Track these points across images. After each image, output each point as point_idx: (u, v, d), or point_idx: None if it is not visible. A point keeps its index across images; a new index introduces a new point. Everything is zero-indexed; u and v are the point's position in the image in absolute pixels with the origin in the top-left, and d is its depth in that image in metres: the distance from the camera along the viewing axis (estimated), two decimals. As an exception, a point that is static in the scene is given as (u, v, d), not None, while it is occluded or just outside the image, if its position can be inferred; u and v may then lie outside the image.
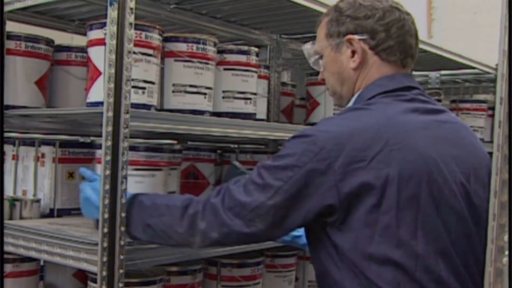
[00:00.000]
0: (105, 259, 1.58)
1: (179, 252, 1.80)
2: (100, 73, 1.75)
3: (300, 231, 1.82)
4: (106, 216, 1.58)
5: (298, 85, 2.99)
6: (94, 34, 1.80)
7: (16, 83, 2.05)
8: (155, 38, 1.82)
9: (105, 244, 1.58)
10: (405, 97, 1.51)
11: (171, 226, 1.52)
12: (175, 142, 2.62)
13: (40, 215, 2.09)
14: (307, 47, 1.68)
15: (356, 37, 1.53)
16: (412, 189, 1.39)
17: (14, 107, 2.04)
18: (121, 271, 1.59)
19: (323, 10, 2.28)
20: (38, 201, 2.09)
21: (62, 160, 2.15)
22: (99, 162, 1.75)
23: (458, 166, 1.48)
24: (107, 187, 1.59)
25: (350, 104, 1.59)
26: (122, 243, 1.60)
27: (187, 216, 1.50)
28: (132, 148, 1.82)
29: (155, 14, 2.28)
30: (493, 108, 3.21)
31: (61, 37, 2.39)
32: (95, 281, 1.66)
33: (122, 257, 1.60)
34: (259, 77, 2.30)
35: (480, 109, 3.67)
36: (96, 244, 1.60)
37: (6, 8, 2.01)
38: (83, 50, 2.11)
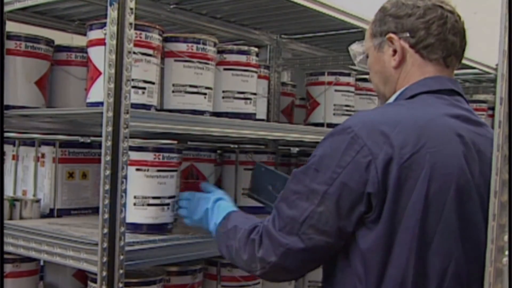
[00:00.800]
0: (105, 259, 1.58)
1: (179, 252, 1.80)
2: (100, 73, 1.75)
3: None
4: (106, 216, 1.58)
5: (298, 85, 2.99)
6: (94, 34, 1.80)
7: (16, 83, 2.05)
8: (155, 38, 1.82)
9: (105, 244, 1.58)
10: (447, 100, 1.50)
11: (238, 251, 1.51)
12: (175, 142, 2.62)
13: (40, 215, 2.09)
14: (353, 47, 1.69)
15: (397, 35, 1.52)
16: (440, 194, 1.38)
17: (14, 107, 2.04)
18: (121, 271, 1.59)
19: (323, 10, 2.29)
20: (38, 201, 2.10)
21: (62, 160, 2.15)
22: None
23: (485, 182, 1.41)
24: (107, 187, 1.59)
25: (391, 101, 1.57)
26: (122, 243, 1.60)
27: (249, 242, 1.48)
28: (159, 150, 1.85)
29: (155, 14, 2.29)
30: (493, 108, 3.21)
31: (61, 37, 2.39)
32: (95, 281, 1.66)
33: (122, 257, 1.60)
34: (259, 77, 2.30)
35: (480, 109, 3.67)
36: (96, 244, 1.60)
37: (6, 8, 2.01)
38: (83, 50, 2.11)
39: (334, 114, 2.60)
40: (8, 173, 2.24)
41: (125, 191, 1.62)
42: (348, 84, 2.63)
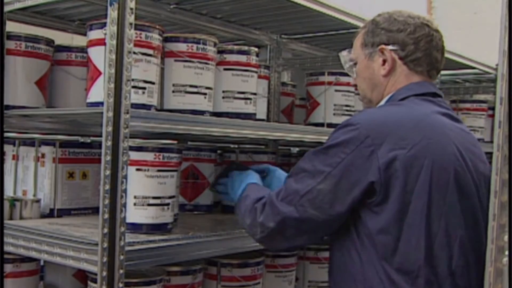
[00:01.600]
0: (105, 259, 1.58)
1: (179, 252, 1.80)
2: (100, 73, 1.75)
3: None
4: (106, 216, 1.58)
5: (298, 85, 2.99)
6: (94, 34, 1.80)
7: (16, 83, 2.05)
8: (155, 38, 1.83)
9: (105, 244, 1.58)
10: (432, 101, 1.69)
11: (244, 216, 1.71)
12: (175, 142, 2.62)
13: (40, 215, 2.09)
14: (344, 54, 1.86)
15: (388, 47, 1.70)
16: (442, 179, 1.55)
17: (14, 107, 2.04)
18: (121, 271, 1.59)
19: (323, 10, 2.29)
20: (38, 201, 2.10)
21: (62, 160, 2.15)
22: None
23: (474, 167, 1.65)
24: (107, 187, 1.59)
25: (381, 104, 1.74)
26: (122, 243, 1.60)
27: (253, 210, 1.67)
28: (159, 150, 1.86)
29: (155, 14, 2.29)
30: (493, 108, 3.21)
31: (61, 37, 2.39)
32: (95, 281, 1.66)
33: (122, 257, 1.60)
34: (259, 77, 2.30)
35: (480, 109, 3.67)
36: (96, 244, 1.60)
37: (6, 8, 2.01)
38: (83, 50, 2.11)
39: (334, 114, 2.60)
40: (8, 173, 2.24)
41: (125, 191, 1.62)
42: (348, 84, 2.63)
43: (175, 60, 1.94)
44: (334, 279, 1.66)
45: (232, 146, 2.69)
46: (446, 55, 3.19)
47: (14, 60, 2.06)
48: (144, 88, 1.80)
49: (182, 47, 1.93)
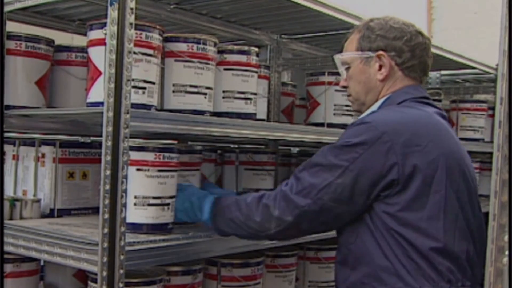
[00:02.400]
0: (105, 259, 1.58)
1: (179, 252, 1.80)
2: (100, 73, 1.75)
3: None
4: (106, 216, 1.58)
5: (298, 85, 2.99)
6: (95, 34, 1.80)
7: (16, 83, 2.05)
8: (155, 38, 1.83)
9: (105, 244, 1.58)
10: (429, 103, 1.81)
11: (249, 216, 1.72)
12: (175, 142, 2.62)
13: (40, 215, 2.09)
14: (338, 57, 1.93)
15: (386, 54, 1.79)
16: (452, 173, 1.67)
17: (14, 107, 2.04)
18: (121, 271, 1.59)
19: (323, 10, 2.29)
20: (38, 201, 2.10)
21: (62, 160, 2.15)
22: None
23: (463, 158, 1.78)
24: (108, 187, 1.59)
25: (375, 108, 1.82)
26: (122, 243, 1.60)
27: (262, 206, 1.70)
28: (159, 150, 1.86)
29: (155, 14, 2.29)
30: (493, 108, 3.21)
31: (61, 37, 2.39)
32: (95, 281, 1.66)
33: (122, 257, 1.60)
34: (259, 77, 2.30)
35: (480, 109, 3.67)
36: (96, 244, 1.60)
37: (6, 8, 2.01)
38: (83, 50, 2.11)
39: (334, 114, 2.60)
40: (8, 173, 2.24)
41: (125, 191, 1.62)
42: (348, 84, 2.63)
43: (175, 60, 1.94)
44: (340, 269, 1.74)
45: (232, 146, 2.69)
46: (446, 55, 3.21)
47: (14, 60, 2.06)
48: (144, 88, 1.80)
49: (182, 47, 1.93)
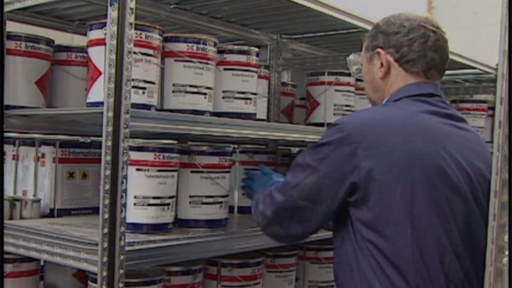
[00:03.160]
0: (105, 259, 1.58)
1: (179, 252, 1.80)
2: (100, 73, 1.75)
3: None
4: (106, 216, 1.58)
5: (298, 85, 2.99)
6: (94, 34, 1.80)
7: (16, 83, 2.05)
8: (155, 38, 1.83)
9: (105, 244, 1.58)
10: (427, 101, 1.71)
11: (255, 206, 1.80)
12: (175, 142, 2.62)
13: (40, 215, 2.09)
14: (351, 58, 1.96)
15: (384, 50, 1.75)
16: (424, 177, 1.57)
17: (14, 107, 2.05)
18: (121, 271, 1.59)
19: (323, 10, 2.29)
20: (38, 201, 2.10)
21: (62, 160, 2.15)
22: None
23: (470, 166, 1.65)
24: (108, 187, 1.59)
25: None
26: (122, 243, 1.60)
27: (258, 201, 1.78)
28: (159, 150, 1.87)
29: (155, 14, 2.28)
30: (493, 108, 3.21)
31: (61, 37, 2.39)
32: (95, 281, 1.66)
33: (122, 257, 1.60)
34: (259, 77, 2.30)
35: (480, 109, 3.67)
36: (96, 244, 1.60)
37: (6, 8, 2.01)
38: (83, 50, 2.11)
39: (334, 114, 2.60)
40: (8, 173, 2.24)
41: (125, 191, 1.62)
42: (348, 84, 2.63)
43: (175, 60, 1.94)
44: (335, 274, 1.72)
45: (232, 146, 2.69)
46: (446, 55, 3.19)
47: (14, 60, 2.06)
48: (144, 88, 1.80)
49: (182, 47, 1.93)
